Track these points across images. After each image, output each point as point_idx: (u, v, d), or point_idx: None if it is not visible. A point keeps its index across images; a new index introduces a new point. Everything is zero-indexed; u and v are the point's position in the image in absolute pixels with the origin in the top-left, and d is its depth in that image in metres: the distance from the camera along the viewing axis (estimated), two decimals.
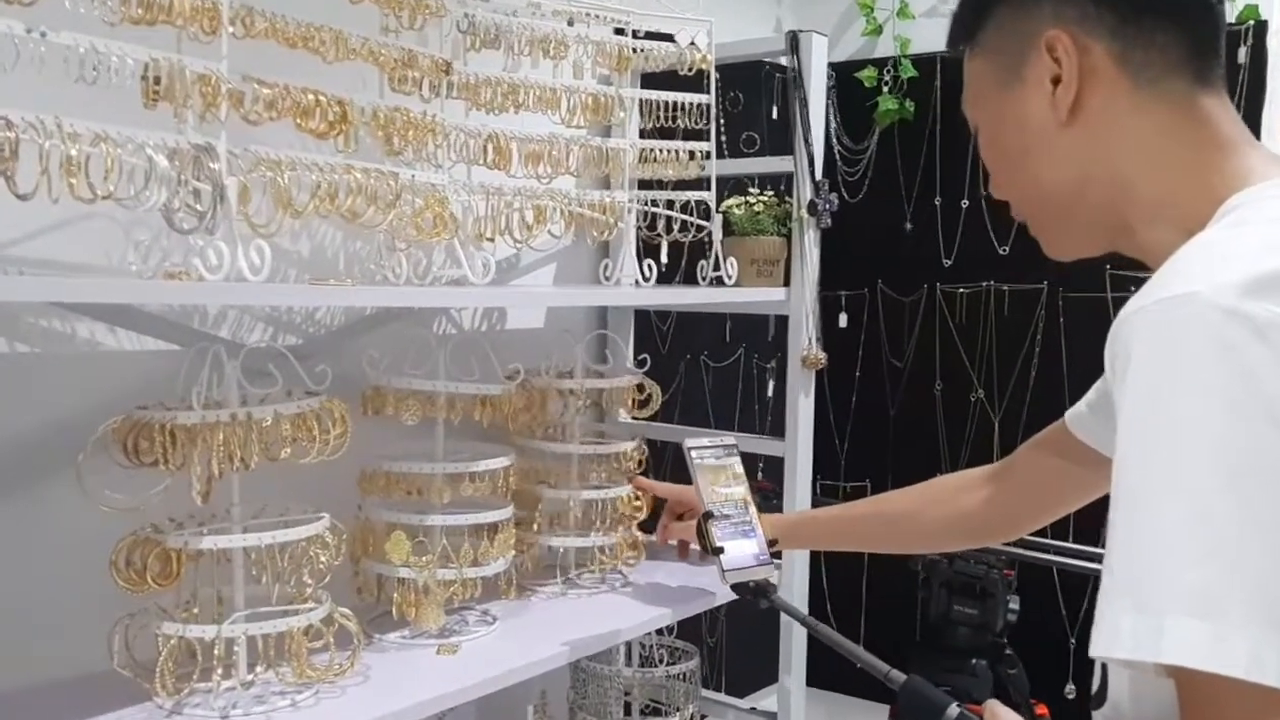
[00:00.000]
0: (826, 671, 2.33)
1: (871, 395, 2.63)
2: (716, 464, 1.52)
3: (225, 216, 1.21)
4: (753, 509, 1.51)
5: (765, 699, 2.82)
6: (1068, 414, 1.26)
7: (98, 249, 1.40)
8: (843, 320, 2.61)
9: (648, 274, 1.76)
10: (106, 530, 1.28)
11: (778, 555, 1.51)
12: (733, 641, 2.61)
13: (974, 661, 1.93)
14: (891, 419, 2.62)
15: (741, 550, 1.47)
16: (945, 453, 2.53)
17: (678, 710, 1.90)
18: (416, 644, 1.54)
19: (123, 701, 1.30)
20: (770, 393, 2.64)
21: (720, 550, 1.45)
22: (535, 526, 1.79)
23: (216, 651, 1.26)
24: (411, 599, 1.52)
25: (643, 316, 2.27)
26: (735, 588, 1.47)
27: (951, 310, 2.52)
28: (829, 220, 1.90)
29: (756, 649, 2.62)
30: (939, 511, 1.48)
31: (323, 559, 1.33)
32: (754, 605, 1.45)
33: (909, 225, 2.57)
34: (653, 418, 2.14)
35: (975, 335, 2.49)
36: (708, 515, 1.47)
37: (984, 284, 2.48)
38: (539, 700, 1.84)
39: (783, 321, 2.67)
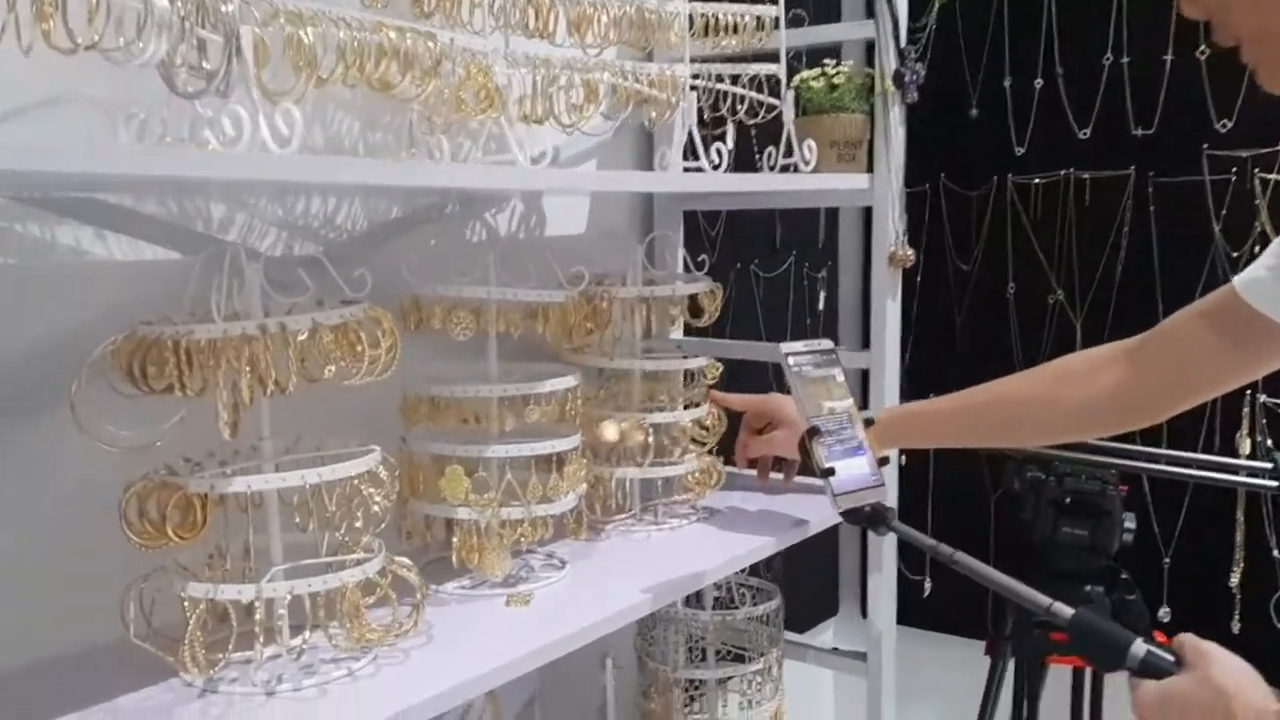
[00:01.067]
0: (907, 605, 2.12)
1: (935, 303, 2.40)
2: (817, 373, 1.31)
3: (241, 76, 0.96)
4: (859, 423, 1.30)
5: (822, 634, 2.64)
6: (1238, 280, 1.11)
7: (79, 135, 1.14)
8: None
9: (717, 159, 1.51)
10: (109, 475, 1.05)
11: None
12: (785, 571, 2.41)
13: (1088, 589, 1.73)
14: (957, 328, 2.39)
15: (851, 470, 1.27)
16: (1019, 361, 2.32)
17: (761, 655, 1.69)
18: (480, 595, 1.32)
19: (142, 679, 1.08)
20: (822, 305, 2.41)
21: (830, 471, 1.24)
22: (598, 455, 1.57)
23: (258, 615, 1.04)
24: (473, 543, 1.30)
25: (690, 221, 2.02)
26: (848, 514, 1.26)
27: (1025, 204, 2.29)
28: (915, 94, 1.66)
29: (809, 579, 2.43)
30: (1072, 394, 1.29)
31: (377, 499, 1.10)
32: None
33: (974, 111, 2.33)
34: (704, 331, 1.92)
35: (1052, 231, 2.27)
36: (813, 432, 1.26)
37: (1061, 173, 2.24)
38: (611, 652, 1.63)
39: (833, 220, 2.46)
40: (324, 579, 1.06)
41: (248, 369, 1.00)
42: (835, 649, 1.88)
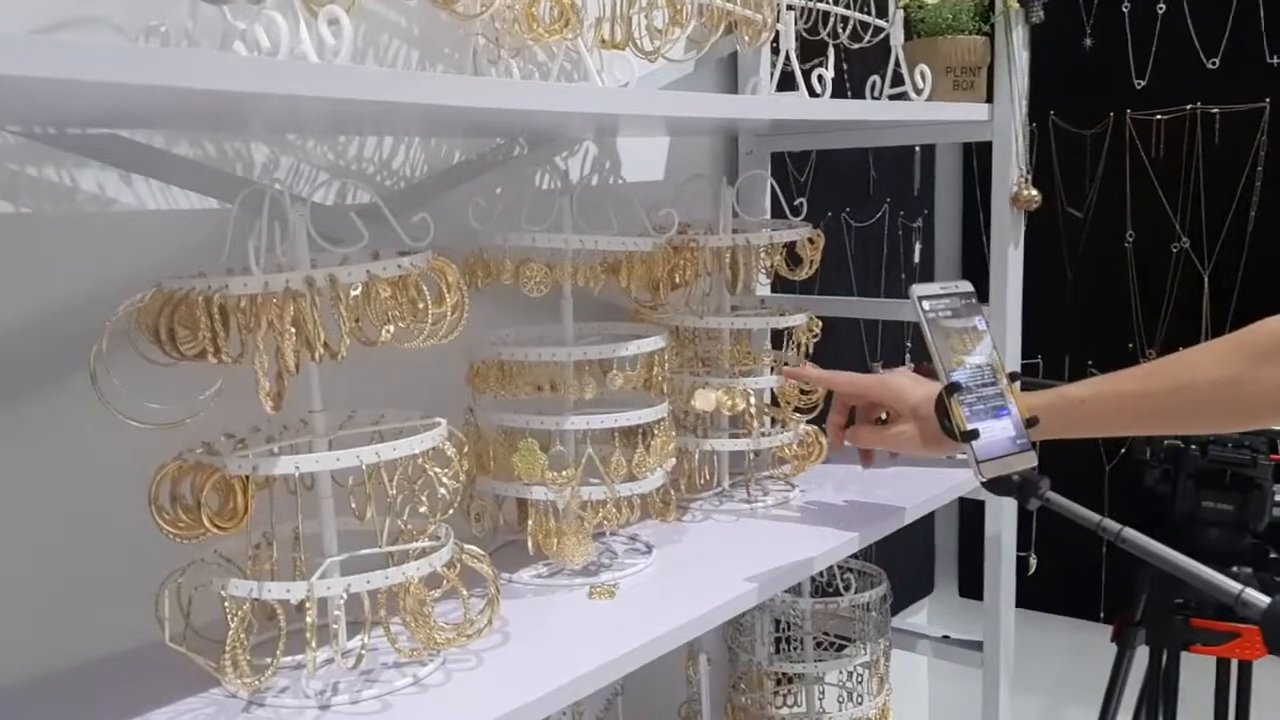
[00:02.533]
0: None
1: (1043, 253, 2.19)
2: (955, 320, 1.13)
3: None
4: (1004, 379, 1.13)
5: (914, 615, 2.46)
6: None
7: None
8: None
9: (818, 87, 1.32)
10: (137, 454, 0.90)
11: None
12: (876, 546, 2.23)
13: (1234, 569, 1.54)
14: (1070, 281, 2.18)
15: (995, 434, 1.10)
16: (1139, 318, 2.11)
17: (867, 642, 1.52)
18: (558, 584, 1.16)
19: (179, 689, 0.94)
20: (917, 258, 2.21)
21: (973, 434, 1.07)
22: (681, 425, 1.41)
23: (309, 618, 0.89)
24: (550, 527, 1.14)
25: (778, 167, 1.84)
26: (993, 484, 1.10)
27: (1145, 143, 2.07)
28: (1041, 13, 1.45)
29: (901, 554, 2.25)
30: (1275, 375, 1.07)
31: (445, 480, 0.94)
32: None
33: (1089, 40, 2.10)
34: (791, 287, 1.74)
35: (1177, 172, 2.04)
36: (952, 389, 1.09)
37: (1187, 107, 2.02)
38: (700, 646, 1.47)
39: (929, 165, 2.24)
40: (385, 573, 0.91)
41: (292, 330, 0.84)
42: (946, 637, 1.71)
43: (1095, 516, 1.09)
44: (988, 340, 1.15)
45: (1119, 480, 2.16)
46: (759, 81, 1.33)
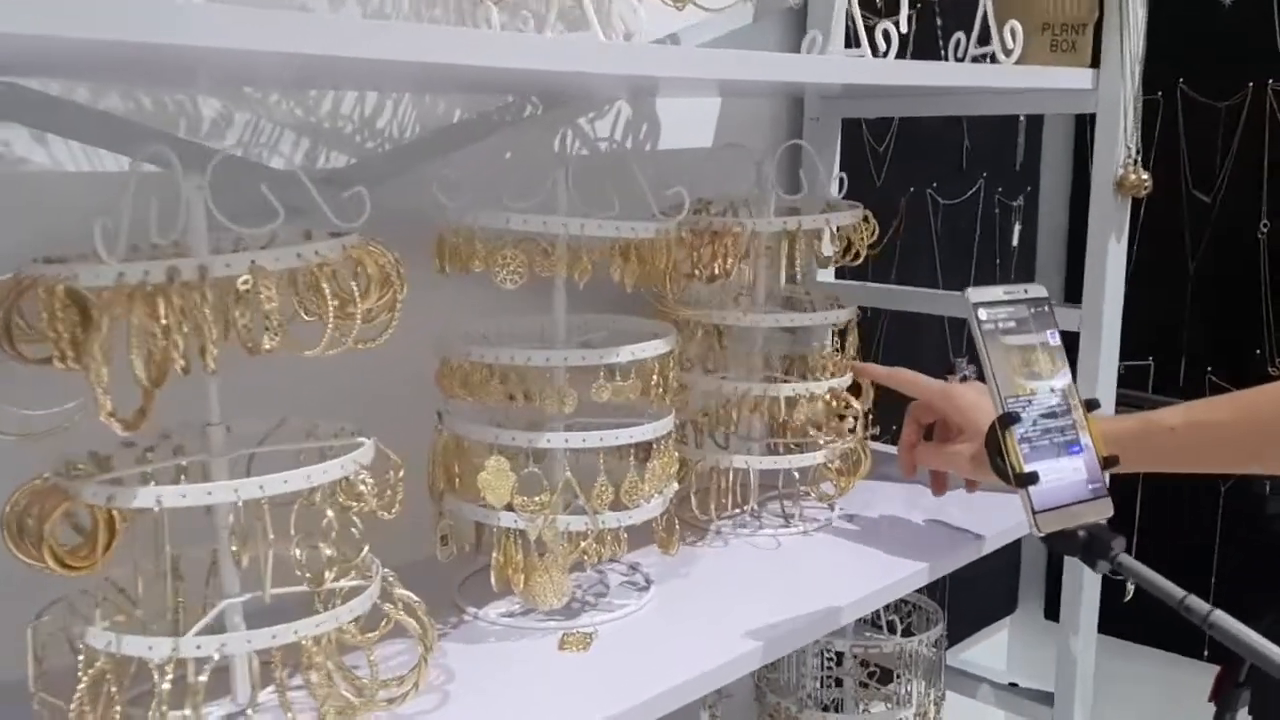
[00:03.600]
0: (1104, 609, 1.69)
1: (1161, 241, 1.92)
2: (1021, 334, 0.92)
3: None
4: (1079, 409, 0.92)
5: (995, 635, 2.23)
6: None
7: None
8: None
9: (885, 44, 1.10)
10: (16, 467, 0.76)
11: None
12: None
13: None
14: (1191, 275, 1.91)
15: (1061, 477, 0.89)
16: (1270, 321, 1.83)
17: (910, 683, 1.32)
18: (529, 626, 0.99)
19: None
20: (1016, 242, 1.96)
21: (1031, 478, 0.87)
22: (704, 439, 1.22)
23: (166, 685, 0.73)
24: (517, 560, 0.97)
25: (853, 135, 1.62)
26: (1053, 540, 0.90)
27: None
28: None
29: (981, 568, 2.02)
30: None
31: (355, 518, 0.78)
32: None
33: None
34: (861, 274, 1.53)
35: None
36: (1008, 420, 0.88)
37: None
38: (712, 697, 1.29)
39: (1035, 133, 1.97)
40: (273, 631, 0.75)
41: (154, 332, 0.68)
42: (1014, 684, 1.49)
43: (1179, 592, 0.88)
44: (1061, 360, 0.94)
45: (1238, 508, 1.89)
46: (817, 37, 1.11)
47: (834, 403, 1.22)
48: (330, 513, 0.75)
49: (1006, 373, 0.91)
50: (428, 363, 1.01)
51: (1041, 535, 0.89)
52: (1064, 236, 2.03)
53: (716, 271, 1.17)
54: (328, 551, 0.77)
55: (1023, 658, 2.22)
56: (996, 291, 0.92)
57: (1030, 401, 0.90)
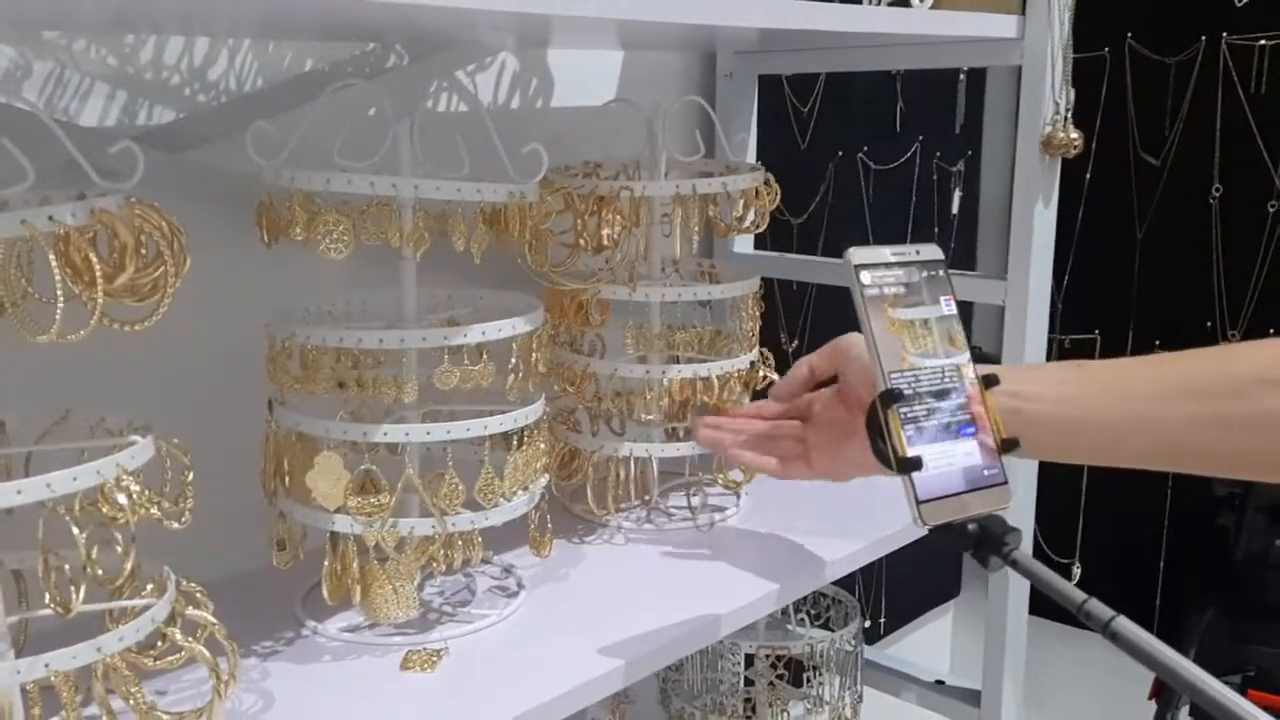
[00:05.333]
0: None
1: (1109, 207, 1.82)
2: (909, 300, 0.81)
3: None
4: (972, 383, 0.79)
5: (937, 620, 2.15)
6: None
7: None
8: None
9: None
10: None
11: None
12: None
13: None
14: (1140, 241, 1.81)
15: (952, 461, 0.77)
16: (1222, 289, 1.73)
17: (823, 685, 1.22)
18: (372, 643, 0.88)
19: None
20: (956, 208, 1.86)
21: (913, 464, 0.75)
22: (591, 424, 1.11)
23: None
24: (353, 570, 0.86)
25: (772, 89, 1.50)
26: (939, 532, 0.78)
27: (1243, 74, 1.68)
28: None
29: (922, 551, 1.93)
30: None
31: (124, 523, 0.66)
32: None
33: None
34: (785, 245, 1.42)
35: None
36: (890, 397, 0.76)
37: None
38: (617, 698, 1.18)
39: (977, 91, 1.86)
40: (29, 662, 0.63)
41: None
42: (940, 682, 1.39)
43: (1079, 595, 0.76)
44: (958, 330, 0.82)
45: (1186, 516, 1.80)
46: None
47: (747, 383, 1.11)
48: (75, 530, 0.63)
49: (891, 344, 0.79)
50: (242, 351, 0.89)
51: (926, 528, 0.77)
52: (1008, 204, 1.93)
53: (605, 242, 1.06)
54: (127, 565, 0.66)
55: (966, 645, 2.13)
56: (883, 253, 0.81)
57: (918, 377, 0.78)
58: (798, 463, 0.94)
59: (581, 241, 1.05)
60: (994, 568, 0.78)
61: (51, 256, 0.59)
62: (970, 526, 0.77)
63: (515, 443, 0.90)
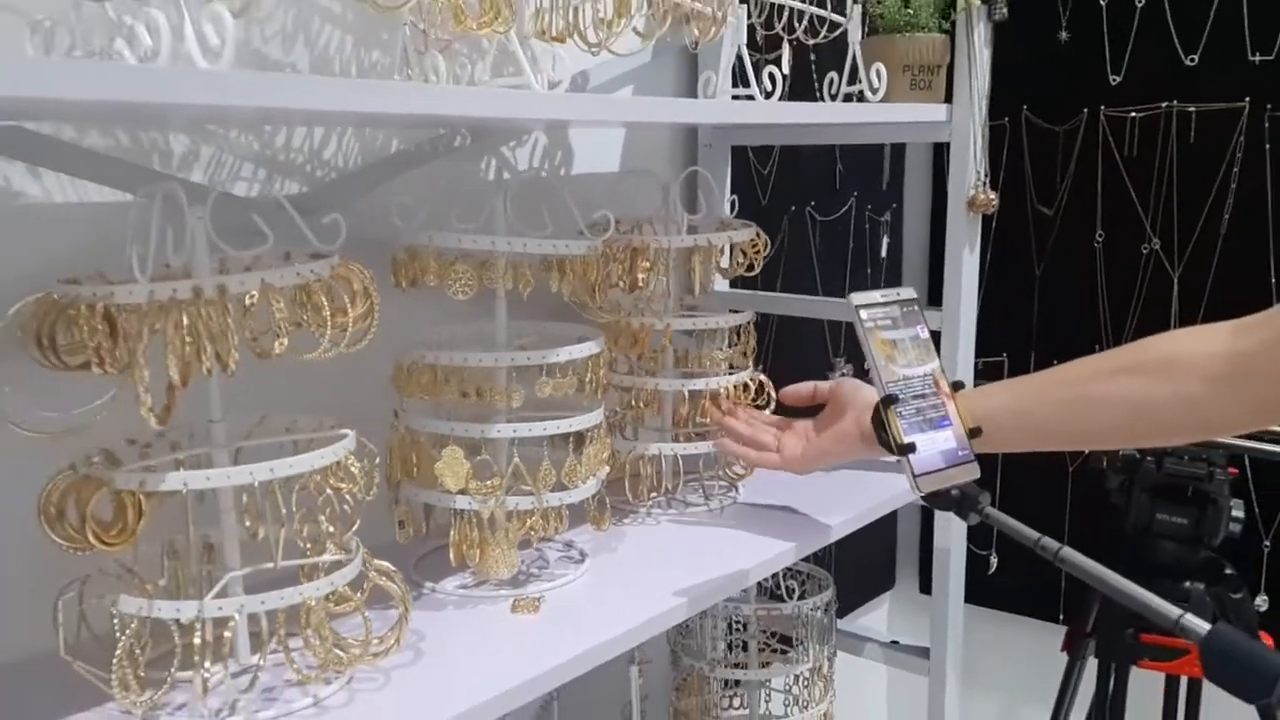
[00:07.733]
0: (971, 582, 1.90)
1: (1012, 249, 2.16)
2: (895, 330, 1.11)
3: None
4: (945, 388, 1.10)
5: (875, 611, 2.44)
6: None
7: None
8: None
9: (770, 86, 1.28)
10: (34, 463, 0.87)
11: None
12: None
13: (1187, 585, 1.51)
14: (1038, 278, 2.15)
15: (935, 445, 1.07)
16: (1106, 318, 2.07)
17: (811, 648, 1.50)
18: (482, 595, 1.13)
19: (71, 702, 0.91)
20: (884, 253, 2.18)
21: (910, 448, 1.05)
22: (625, 431, 1.38)
23: (196, 639, 0.86)
24: (474, 538, 1.11)
25: (740, 159, 1.80)
26: (931, 498, 1.08)
27: (1119, 140, 2.02)
28: (1005, 10, 1.41)
29: (862, 550, 2.22)
30: (1210, 388, 1.03)
31: (349, 495, 0.91)
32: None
33: (1064, 33, 2.06)
34: (753, 284, 1.71)
35: (1150, 171, 2.00)
36: (889, 400, 1.07)
37: (1163, 105, 1.97)
38: (637, 651, 1.44)
39: (899, 157, 2.20)
40: (281, 594, 0.88)
41: (183, 341, 0.80)
42: (895, 642, 1.68)
43: (1033, 534, 1.07)
44: (929, 349, 1.12)
45: (1083, 487, 2.14)
46: (714, 77, 1.28)
47: (742, 395, 1.39)
48: (329, 490, 0.88)
49: (885, 362, 1.09)
50: (375, 368, 1.14)
51: (922, 494, 1.07)
52: (926, 247, 2.26)
53: (639, 283, 1.34)
54: (329, 528, 0.90)
55: (902, 627, 2.43)
56: (875, 295, 1.11)
57: (905, 385, 1.08)
58: (771, 456, 1.28)
59: (619, 283, 1.32)
60: (971, 521, 1.09)
61: (322, 299, 0.85)
62: (953, 492, 1.08)
63: (588, 440, 1.16)
